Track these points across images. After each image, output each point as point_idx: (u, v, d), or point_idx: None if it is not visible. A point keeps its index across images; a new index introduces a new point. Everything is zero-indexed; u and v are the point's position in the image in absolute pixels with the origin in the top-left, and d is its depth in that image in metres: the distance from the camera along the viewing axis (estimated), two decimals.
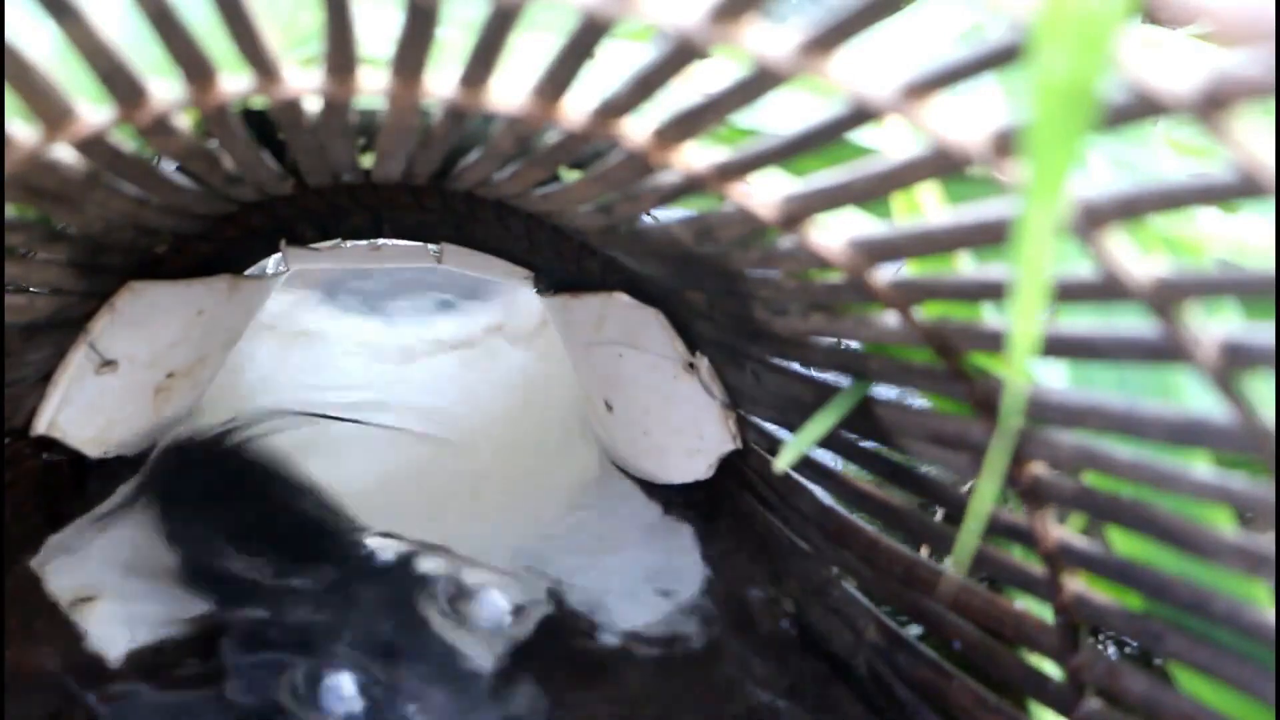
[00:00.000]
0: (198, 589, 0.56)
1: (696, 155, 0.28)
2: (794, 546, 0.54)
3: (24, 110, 0.26)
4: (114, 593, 0.55)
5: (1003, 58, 0.20)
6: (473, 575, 0.59)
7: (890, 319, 0.32)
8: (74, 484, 0.58)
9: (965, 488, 0.41)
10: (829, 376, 0.42)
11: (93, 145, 0.29)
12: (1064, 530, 0.34)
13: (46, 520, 0.57)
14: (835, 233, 0.30)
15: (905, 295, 0.31)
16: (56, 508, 0.57)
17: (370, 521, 0.63)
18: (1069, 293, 0.25)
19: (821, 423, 0.40)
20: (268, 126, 0.34)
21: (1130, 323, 0.25)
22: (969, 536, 0.36)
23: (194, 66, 0.25)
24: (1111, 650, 0.48)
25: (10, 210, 0.35)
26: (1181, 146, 0.35)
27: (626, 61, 0.26)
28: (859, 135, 0.30)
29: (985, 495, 0.33)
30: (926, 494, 0.42)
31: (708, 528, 0.61)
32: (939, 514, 0.48)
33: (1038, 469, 0.33)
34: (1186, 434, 0.25)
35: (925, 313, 0.31)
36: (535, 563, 0.63)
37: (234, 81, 0.26)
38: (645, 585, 0.60)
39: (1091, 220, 0.22)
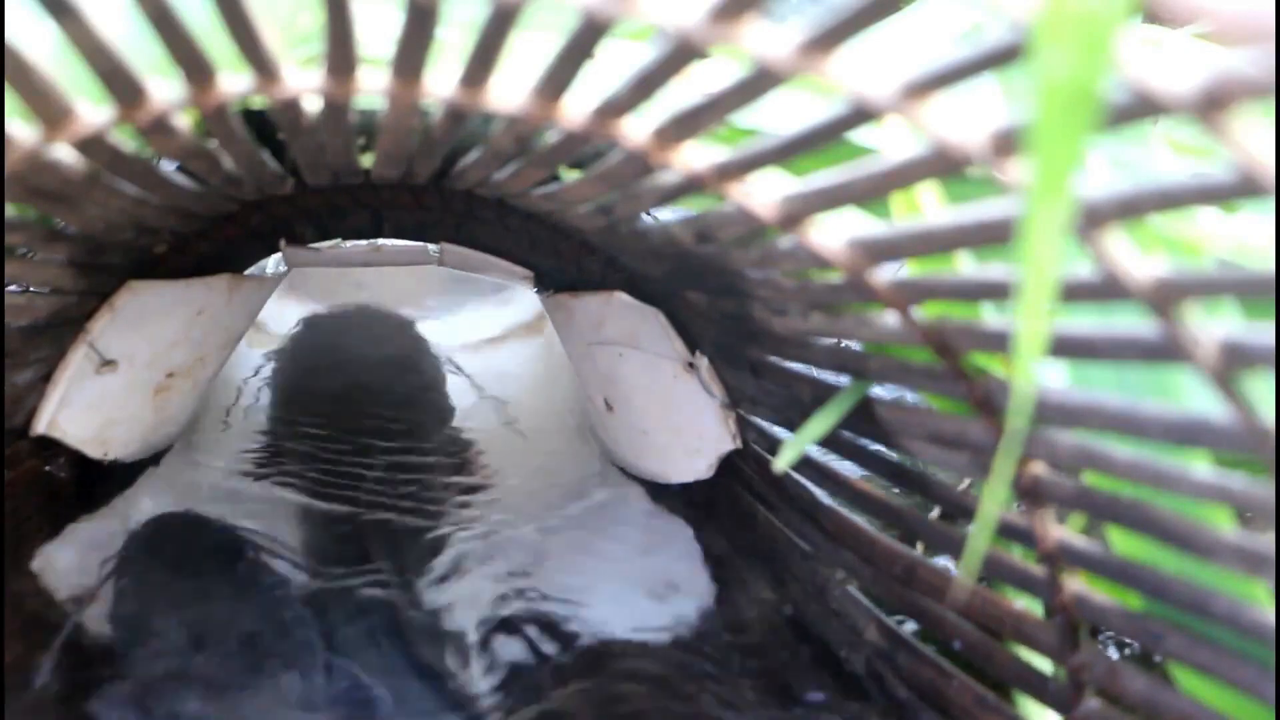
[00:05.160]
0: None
1: (696, 155, 0.28)
2: (794, 546, 0.54)
3: (24, 110, 0.26)
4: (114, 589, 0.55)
5: (1003, 58, 0.20)
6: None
7: (890, 319, 0.32)
8: (74, 484, 0.58)
9: (963, 487, 0.41)
10: (829, 376, 0.42)
11: (93, 145, 0.29)
12: (1064, 530, 0.34)
13: (46, 520, 0.57)
14: (835, 233, 0.30)
15: (905, 295, 0.31)
16: (56, 507, 0.57)
17: None
18: (1069, 293, 0.25)
19: (821, 423, 0.40)
20: (268, 126, 0.34)
21: (1130, 323, 0.25)
22: (978, 544, 0.36)
23: (194, 66, 0.25)
24: (1111, 650, 0.48)
25: (10, 210, 0.35)
26: (1181, 146, 0.35)
27: (626, 61, 0.26)
28: (859, 135, 0.30)
29: (994, 499, 0.33)
30: (926, 494, 0.42)
31: (708, 527, 0.61)
32: (935, 512, 0.48)
33: (1038, 469, 0.33)
34: (1186, 434, 0.25)
35: (925, 313, 0.31)
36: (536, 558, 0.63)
37: (234, 81, 0.26)
38: (645, 585, 0.60)
39: (1091, 220, 0.22)
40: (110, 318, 0.53)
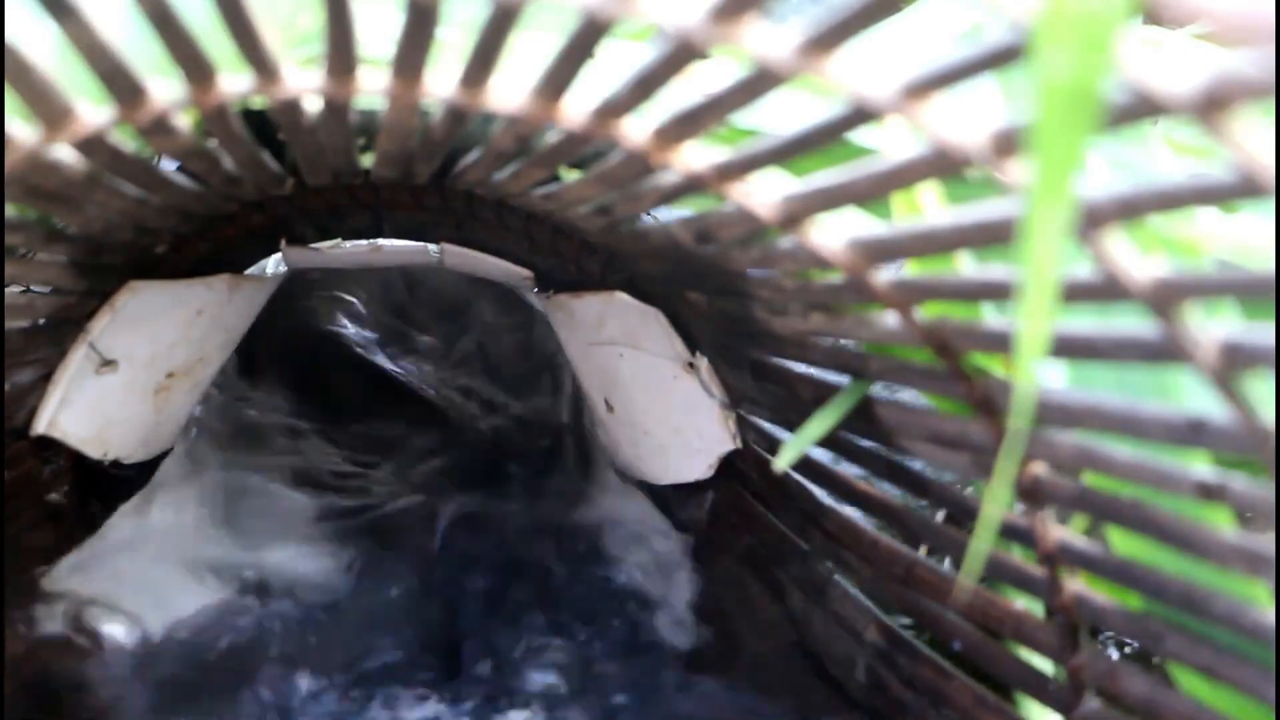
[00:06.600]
0: None
1: (696, 155, 0.28)
2: (794, 546, 0.54)
3: (24, 110, 0.26)
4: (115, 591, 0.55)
5: (1003, 58, 0.20)
6: None
7: (890, 319, 0.32)
8: (74, 484, 0.58)
9: (967, 489, 0.41)
10: (829, 376, 0.42)
11: (93, 145, 0.29)
12: (1064, 530, 0.34)
13: (46, 520, 0.57)
14: (835, 233, 0.30)
15: (905, 295, 0.31)
16: (56, 508, 0.57)
17: None
18: (1069, 293, 0.25)
19: (821, 423, 0.40)
20: (268, 126, 0.34)
21: (1130, 323, 0.25)
22: (980, 545, 0.36)
23: (194, 66, 0.25)
24: (1111, 650, 0.48)
25: (10, 210, 0.35)
26: (1181, 146, 0.35)
27: (626, 61, 0.26)
28: (859, 135, 0.30)
29: (995, 501, 0.33)
30: (926, 494, 0.42)
31: (707, 528, 0.61)
32: (940, 515, 0.48)
33: (1038, 469, 0.33)
34: (1186, 434, 0.25)
35: (925, 313, 0.31)
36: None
37: (234, 81, 0.26)
38: (645, 585, 0.60)
39: (1091, 220, 0.22)
40: (110, 318, 0.53)
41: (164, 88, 0.27)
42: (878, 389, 0.40)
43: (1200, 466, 0.26)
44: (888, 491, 0.46)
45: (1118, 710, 0.35)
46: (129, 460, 0.60)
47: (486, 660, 0.55)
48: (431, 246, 0.63)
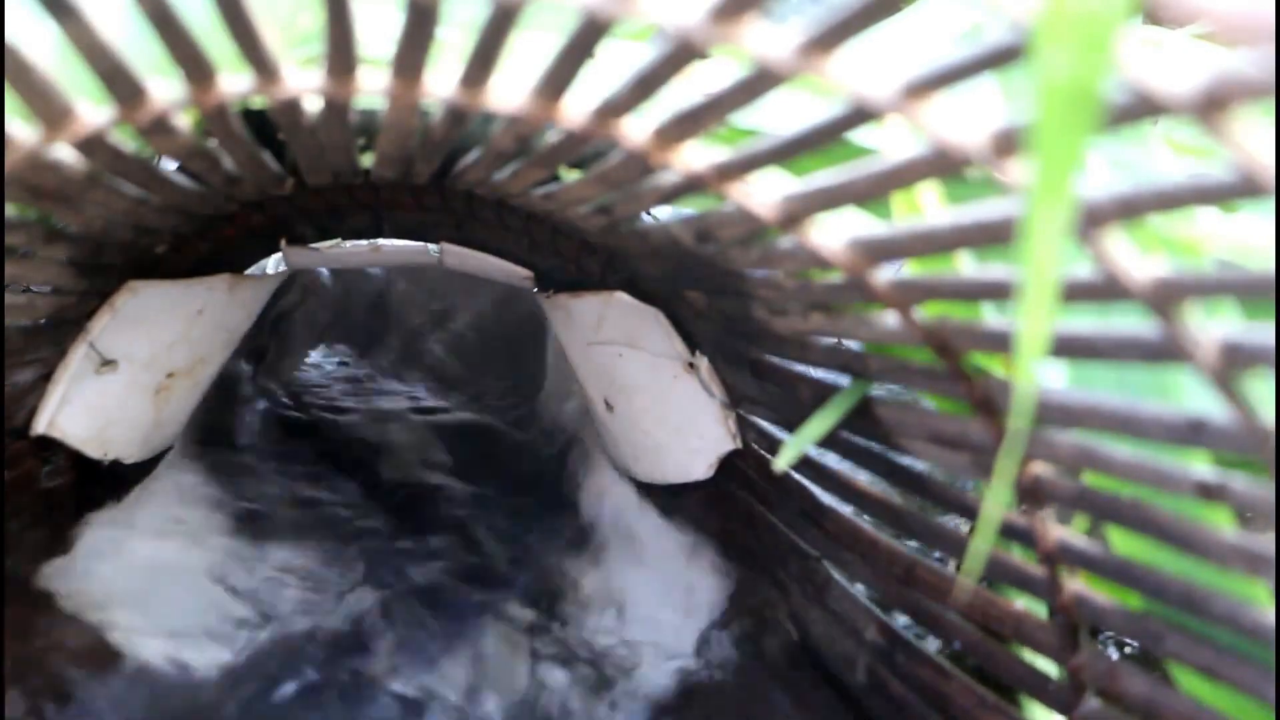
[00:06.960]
0: None
1: (696, 155, 0.28)
2: (794, 546, 0.54)
3: (24, 110, 0.26)
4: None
5: (1003, 58, 0.20)
6: None
7: (890, 319, 0.32)
8: (74, 484, 0.58)
9: (969, 489, 0.41)
10: (829, 376, 0.42)
11: (93, 145, 0.29)
12: (1064, 530, 0.34)
13: (47, 521, 0.57)
14: (835, 233, 0.30)
15: (905, 295, 0.31)
16: (57, 508, 0.57)
17: None
18: (1069, 293, 0.25)
19: (821, 423, 0.40)
20: (268, 126, 0.34)
21: (1130, 323, 0.25)
22: (980, 544, 0.36)
23: (194, 66, 0.25)
24: (1111, 650, 0.48)
25: (10, 210, 0.35)
26: (1181, 146, 0.35)
27: (626, 61, 0.26)
28: (859, 135, 0.30)
29: (996, 501, 0.33)
30: (926, 494, 0.42)
31: (707, 528, 0.61)
32: (940, 515, 0.48)
33: (1038, 469, 0.33)
34: (1186, 434, 0.25)
35: (925, 313, 0.31)
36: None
37: (234, 81, 0.26)
38: (644, 584, 0.60)
39: (1091, 220, 0.22)
40: (110, 318, 0.53)
41: (164, 88, 0.27)
42: (878, 389, 0.40)
43: (1200, 466, 0.26)
44: (888, 491, 0.46)
45: (1118, 710, 0.35)
46: (129, 460, 0.60)
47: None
48: (431, 246, 0.63)
